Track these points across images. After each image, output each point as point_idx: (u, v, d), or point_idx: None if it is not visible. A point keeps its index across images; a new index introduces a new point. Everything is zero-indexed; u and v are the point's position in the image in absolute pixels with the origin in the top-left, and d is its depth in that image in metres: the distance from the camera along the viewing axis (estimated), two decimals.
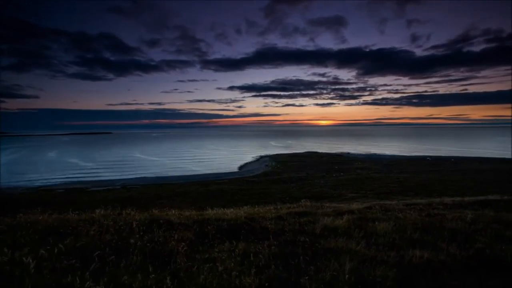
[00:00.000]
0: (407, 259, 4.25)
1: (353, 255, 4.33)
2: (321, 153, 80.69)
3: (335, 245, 4.75)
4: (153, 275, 3.48)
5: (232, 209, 9.26)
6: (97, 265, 3.70)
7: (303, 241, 4.98)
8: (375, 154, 78.62)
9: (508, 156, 67.07)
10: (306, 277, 3.58)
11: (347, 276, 3.60)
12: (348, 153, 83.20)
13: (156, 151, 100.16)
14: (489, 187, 30.27)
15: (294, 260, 4.11)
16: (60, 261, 3.77)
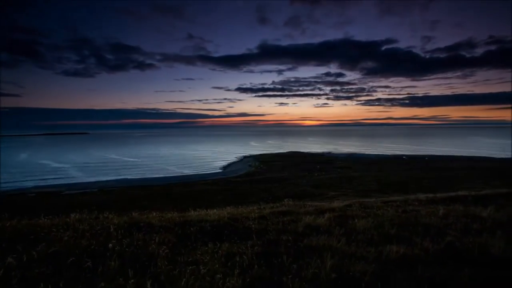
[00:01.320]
0: (385, 254, 4.41)
1: (334, 252, 4.44)
2: (304, 152, 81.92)
3: (316, 243, 4.84)
4: (132, 280, 3.37)
5: (215, 210, 9.18)
6: (71, 272, 3.53)
7: (286, 240, 5.03)
8: (355, 154, 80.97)
9: (476, 154, 71.64)
10: (289, 276, 3.62)
11: (328, 272, 3.68)
12: (330, 152, 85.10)
13: (137, 152, 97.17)
14: (459, 183, 32.17)
15: (277, 259, 4.14)
16: (30, 270, 3.56)
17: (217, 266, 3.89)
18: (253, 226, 5.98)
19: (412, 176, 39.60)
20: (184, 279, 3.45)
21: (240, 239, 5.16)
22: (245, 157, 75.93)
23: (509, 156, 66.52)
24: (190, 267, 3.79)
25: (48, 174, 52.72)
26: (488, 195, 11.32)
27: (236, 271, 3.71)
